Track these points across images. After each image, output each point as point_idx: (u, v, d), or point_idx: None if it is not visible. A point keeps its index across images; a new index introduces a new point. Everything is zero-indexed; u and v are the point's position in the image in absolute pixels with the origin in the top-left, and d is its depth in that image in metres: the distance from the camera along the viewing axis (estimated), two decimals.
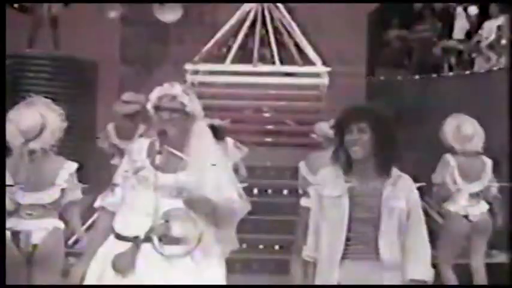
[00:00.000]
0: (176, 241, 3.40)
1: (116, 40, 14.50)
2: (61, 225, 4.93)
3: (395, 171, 3.47)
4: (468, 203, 6.70)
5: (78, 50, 12.28)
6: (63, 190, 4.87)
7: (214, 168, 3.50)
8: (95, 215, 3.99)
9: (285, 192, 9.03)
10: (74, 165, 4.96)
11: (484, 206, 6.76)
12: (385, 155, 3.42)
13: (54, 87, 12.23)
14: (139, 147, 3.61)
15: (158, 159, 3.46)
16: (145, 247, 3.38)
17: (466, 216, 6.67)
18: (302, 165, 7.08)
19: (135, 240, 3.39)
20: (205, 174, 3.46)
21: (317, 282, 3.48)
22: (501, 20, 11.55)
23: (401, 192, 3.43)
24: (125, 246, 3.41)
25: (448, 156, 6.74)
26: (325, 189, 3.48)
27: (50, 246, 4.82)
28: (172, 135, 3.50)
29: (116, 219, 3.54)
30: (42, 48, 12.55)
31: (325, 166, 6.94)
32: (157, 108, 3.55)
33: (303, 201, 6.90)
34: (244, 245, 7.82)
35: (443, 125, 6.85)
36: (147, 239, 3.39)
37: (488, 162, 6.86)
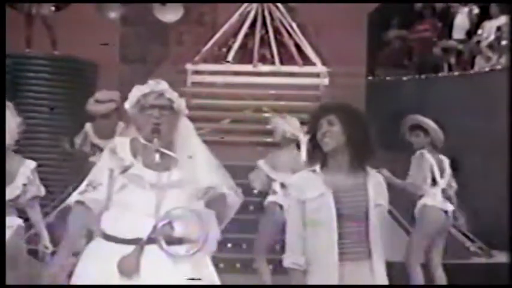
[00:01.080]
0: (180, 241, 3.35)
1: (116, 40, 14.50)
2: (22, 223, 4.94)
3: (369, 169, 3.49)
4: (442, 198, 6.70)
5: (78, 50, 12.29)
6: (24, 187, 4.91)
7: (204, 165, 3.47)
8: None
9: None
10: (33, 163, 5.04)
11: (450, 204, 6.76)
12: (358, 147, 3.42)
13: (54, 87, 12.26)
14: (122, 145, 3.51)
15: (158, 158, 3.41)
16: (148, 248, 3.33)
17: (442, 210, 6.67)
18: (263, 164, 7.03)
19: (139, 242, 3.32)
20: (197, 171, 3.44)
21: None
22: (501, 20, 11.55)
23: (380, 189, 3.47)
24: (125, 248, 3.33)
25: (425, 153, 6.68)
26: (306, 192, 3.43)
27: (16, 245, 4.81)
28: (163, 133, 3.45)
29: (105, 220, 3.44)
30: (42, 49, 12.56)
31: (285, 165, 6.96)
32: (143, 106, 3.48)
33: (271, 198, 6.90)
34: (244, 245, 7.84)
35: (413, 121, 6.82)
36: (151, 240, 3.33)
37: (446, 160, 6.85)
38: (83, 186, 3.49)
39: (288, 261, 3.44)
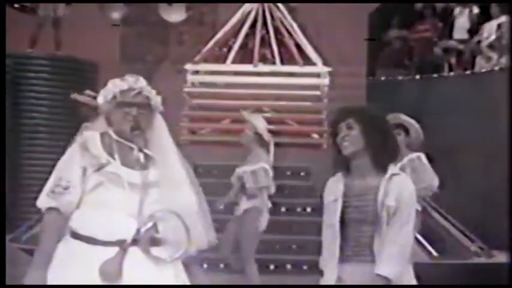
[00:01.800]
0: (162, 244, 3.25)
1: (116, 40, 14.49)
2: None
3: (392, 168, 3.44)
4: None
5: (79, 50, 12.29)
6: None
7: (175, 166, 3.36)
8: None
9: (286, 192, 9.01)
10: None
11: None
12: (378, 149, 3.40)
13: (54, 87, 12.27)
14: (93, 140, 3.29)
15: (142, 157, 3.26)
16: (130, 251, 3.17)
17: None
18: (267, 166, 6.95)
19: (122, 245, 3.15)
20: (170, 172, 3.32)
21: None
22: (501, 20, 11.56)
23: (393, 190, 3.38)
24: (105, 250, 3.15)
25: (422, 156, 6.62)
26: (327, 198, 3.48)
27: None
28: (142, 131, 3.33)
29: (76, 219, 3.23)
30: (43, 49, 12.56)
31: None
32: (120, 103, 3.32)
33: (255, 202, 6.92)
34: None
35: (395, 119, 6.78)
36: (133, 242, 3.17)
37: None
38: (50, 186, 3.24)
39: (320, 263, 3.51)
